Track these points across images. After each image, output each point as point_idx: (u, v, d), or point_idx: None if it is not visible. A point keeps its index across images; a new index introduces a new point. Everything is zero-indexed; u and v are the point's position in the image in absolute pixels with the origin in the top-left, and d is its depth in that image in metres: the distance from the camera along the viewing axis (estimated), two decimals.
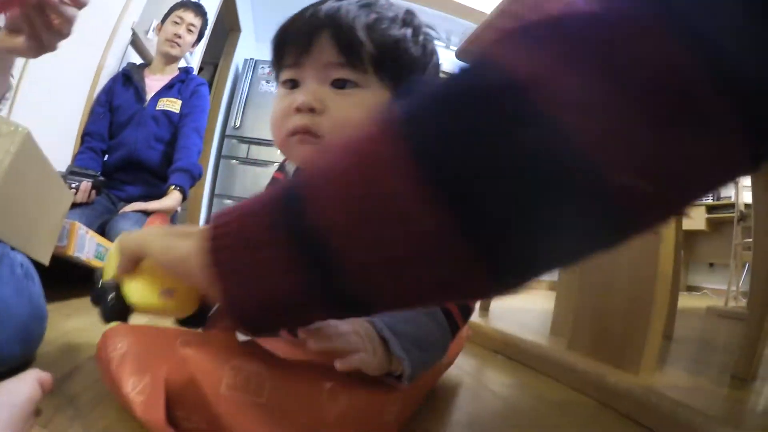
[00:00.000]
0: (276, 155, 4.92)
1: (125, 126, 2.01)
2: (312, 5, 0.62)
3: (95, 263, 1.16)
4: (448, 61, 0.75)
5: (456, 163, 0.30)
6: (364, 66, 0.59)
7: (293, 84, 0.62)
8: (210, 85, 4.56)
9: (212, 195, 4.84)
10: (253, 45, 5.30)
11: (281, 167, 0.78)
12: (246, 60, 4.99)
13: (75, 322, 0.94)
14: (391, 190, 0.31)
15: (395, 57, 0.61)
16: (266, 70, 5.03)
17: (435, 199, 0.30)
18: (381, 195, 0.31)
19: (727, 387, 1.05)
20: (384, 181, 0.31)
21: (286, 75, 0.63)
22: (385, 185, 0.31)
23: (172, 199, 1.86)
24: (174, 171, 1.92)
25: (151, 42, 2.30)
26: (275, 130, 0.63)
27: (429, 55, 0.65)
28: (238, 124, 4.89)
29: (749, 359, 1.10)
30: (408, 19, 0.64)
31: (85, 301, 1.10)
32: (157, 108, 2.03)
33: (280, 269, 0.35)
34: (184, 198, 1.92)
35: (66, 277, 1.05)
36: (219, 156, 4.87)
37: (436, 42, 0.67)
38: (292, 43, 0.61)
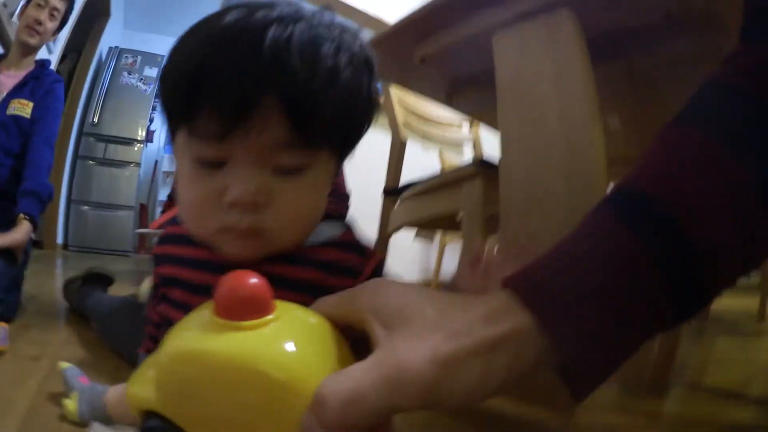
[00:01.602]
0: (134, 155, 4.52)
1: None
2: (250, 27, 0.40)
3: None
4: None
5: None
6: (320, 141, 0.44)
7: (215, 163, 0.43)
8: (71, 76, 4.07)
9: (69, 201, 4.33)
10: (120, 32, 4.78)
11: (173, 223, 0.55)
12: (111, 48, 4.49)
13: None
14: None
15: (352, 120, 0.47)
16: (129, 60, 4.60)
17: None
18: None
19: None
20: None
21: (204, 151, 0.43)
22: None
23: (22, 231, 1.55)
24: (22, 195, 1.61)
25: (15, 28, 1.89)
26: (194, 223, 0.46)
27: (376, 99, 0.49)
28: (96, 120, 4.42)
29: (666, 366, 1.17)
30: (364, 57, 0.46)
31: None
32: (7, 112, 1.68)
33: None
34: (35, 227, 1.62)
35: None
36: (76, 157, 4.33)
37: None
38: (217, 102, 0.40)
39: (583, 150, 0.83)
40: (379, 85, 0.50)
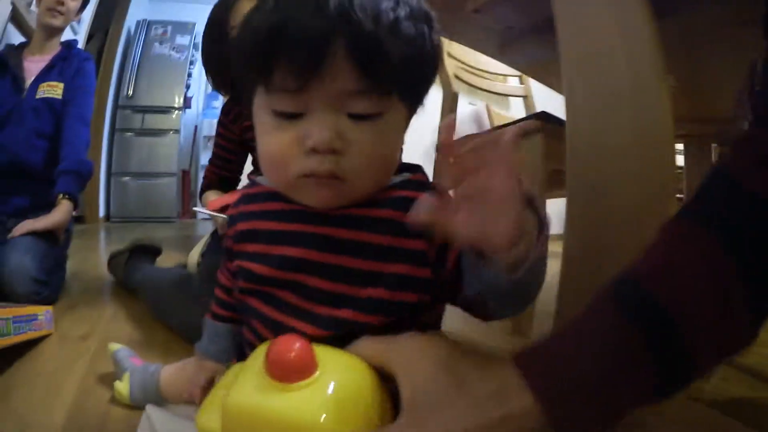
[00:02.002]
0: (172, 122, 4.54)
1: (3, 124, 1.64)
2: None
3: None
4: None
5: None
6: (389, 87, 0.47)
7: (294, 114, 0.47)
8: (100, 54, 4.09)
9: (109, 174, 4.43)
10: (147, 4, 4.75)
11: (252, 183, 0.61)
12: (138, 22, 4.49)
13: None
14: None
15: (418, 68, 0.50)
16: (160, 31, 4.59)
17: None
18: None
19: None
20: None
21: (282, 104, 0.47)
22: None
23: (62, 211, 1.55)
24: (60, 174, 1.60)
25: (35, 16, 1.89)
26: (274, 170, 0.51)
27: (438, 50, 0.52)
28: (131, 92, 4.46)
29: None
30: (421, 9, 0.49)
31: None
32: (36, 96, 1.67)
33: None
34: (76, 206, 1.61)
35: None
36: (113, 130, 4.39)
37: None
38: (291, 58, 0.44)
39: (651, 102, 0.83)
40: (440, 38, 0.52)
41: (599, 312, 0.43)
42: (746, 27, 0.93)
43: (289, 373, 0.39)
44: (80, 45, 2.63)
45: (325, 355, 0.41)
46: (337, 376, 0.40)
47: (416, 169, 0.56)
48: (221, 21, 1.24)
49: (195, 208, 1.30)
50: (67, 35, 1.90)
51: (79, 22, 2.23)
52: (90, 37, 3.37)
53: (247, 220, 0.56)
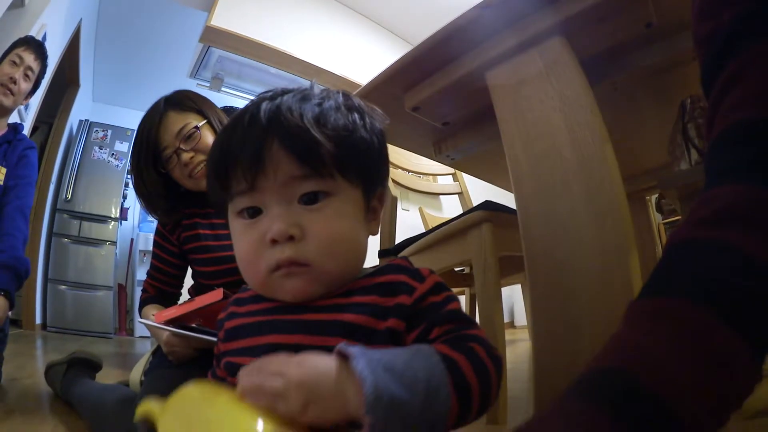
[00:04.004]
0: (109, 233, 4.41)
1: None
2: (248, 109, 0.55)
3: None
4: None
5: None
6: (330, 169, 0.53)
7: (254, 211, 0.54)
8: (44, 147, 3.93)
9: (45, 280, 4.11)
10: (90, 104, 4.67)
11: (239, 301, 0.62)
12: (81, 121, 4.38)
13: None
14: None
15: (354, 150, 0.55)
16: (100, 134, 4.49)
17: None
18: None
19: None
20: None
21: (241, 203, 0.55)
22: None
23: None
24: None
25: None
26: (248, 270, 0.55)
27: (378, 136, 0.59)
28: (69, 196, 4.26)
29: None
30: (349, 103, 0.57)
31: None
32: None
33: None
34: (12, 304, 1.46)
35: None
36: (51, 233, 4.15)
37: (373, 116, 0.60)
38: (239, 163, 0.53)
39: (599, 169, 0.84)
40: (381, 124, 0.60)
41: (575, 413, 0.38)
42: (667, 73, 1.11)
43: None
44: (26, 132, 2.52)
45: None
46: None
47: (402, 257, 0.60)
48: (150, 140, 1.18)
49: (140, 320, 1.18)
50: (14, 120, 1.82)
51: (26, 107, 2.14)
52: (34, 129, 3.25)
53: (235, 319, 0.59)
